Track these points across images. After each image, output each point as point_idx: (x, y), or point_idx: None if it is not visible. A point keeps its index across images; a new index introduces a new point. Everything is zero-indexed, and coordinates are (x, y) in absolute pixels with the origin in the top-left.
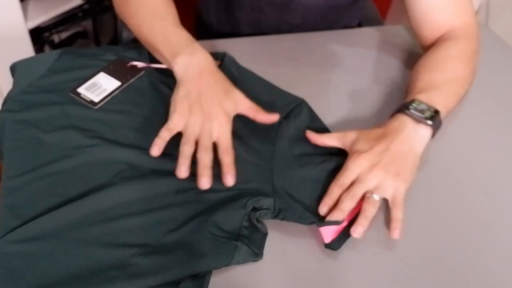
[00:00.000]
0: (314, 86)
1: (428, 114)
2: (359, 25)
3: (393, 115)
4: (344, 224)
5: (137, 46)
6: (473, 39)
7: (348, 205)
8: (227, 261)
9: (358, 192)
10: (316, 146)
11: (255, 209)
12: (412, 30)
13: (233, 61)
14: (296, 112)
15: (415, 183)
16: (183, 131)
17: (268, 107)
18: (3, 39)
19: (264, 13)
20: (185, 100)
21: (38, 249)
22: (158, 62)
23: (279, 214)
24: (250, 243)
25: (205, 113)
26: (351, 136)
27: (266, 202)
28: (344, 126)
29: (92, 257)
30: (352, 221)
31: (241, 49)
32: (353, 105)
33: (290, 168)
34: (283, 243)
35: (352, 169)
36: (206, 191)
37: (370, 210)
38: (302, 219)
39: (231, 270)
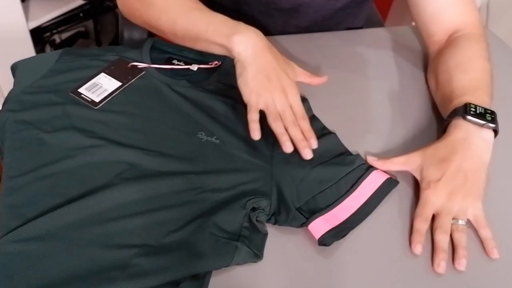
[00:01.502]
0: (315, 87)
1: (488, 117)
2: (360, 26)
3: (450, 122)
4: (337, 222)
5: (138, 47)
6: (485, 37)
7: (446, 240)
8: (227, 262)
9: (448, 225)
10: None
11: (254, 209)
12: (413, 29)
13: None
14: None
15: (415, 184)
16: (265, 109)
17: None
18: (5, 39)
19: (272, 18)
20: (257, 79)
21: (38, 249)
22: (159, 62)
23: (271, 217)
24: (250, 243)
25: (278, 88)
26: (416, 159)
27: (264, 203)
28: (345, 126)
29: (92, 257)
30: (347, 220)
31: None
32: (354, 105)
33: (290, 168)
34: (283, 243)
35: (433, 201)
36: (206, 192)
37: (463, 239)
38: (293, 221)
39: (231, 270)
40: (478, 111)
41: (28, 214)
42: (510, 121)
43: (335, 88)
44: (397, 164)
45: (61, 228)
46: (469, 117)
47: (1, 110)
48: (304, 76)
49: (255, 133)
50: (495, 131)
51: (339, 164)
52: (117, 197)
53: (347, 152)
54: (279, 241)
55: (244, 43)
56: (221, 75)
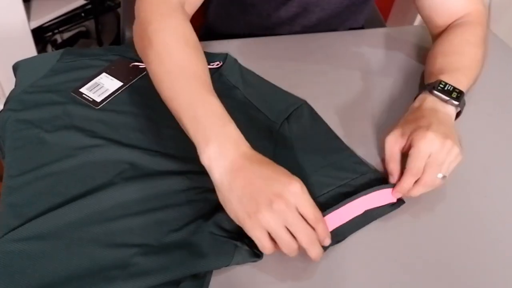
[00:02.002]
0: (317, 87)
1: (454, 94)
2: (361, 27)
3: (418, 95)
4: (339, 224)
5: None
6: (485, 24)
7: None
8: (227, 261)
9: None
10: (318, 149)
11: None
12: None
13: (235, 62)
14: (297, 115)
15: None
16: (270, 233)
17: (269, 108)
18: (6, 39)
19: (280, 20)
20: (243, 207)
21: (39, 248)
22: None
23: None
24: (251, 243)
25: (272, 200)
26: (395, 136)
27: None
28: (346, 126)
29: (93, 256)
30: (340, 227)
31: (243, 50)
32: (355, 105)
33: (290, 169)
34: None
35: (425, 150)
36: (206, 191)
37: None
38: None
39: (231, 270)
40: (446, 88)
41: (29, 213)
42: (510, 122)
43: (336, 88)
44: (396, 154)
45: (61, 227)
46: (435, 91)
47: (3, 109)
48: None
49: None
50: (458, 113)
51: (341, 169)
52: (118, 196)
53: (351, 157)
54: None
55: (216, 161)
56: (222, 75)
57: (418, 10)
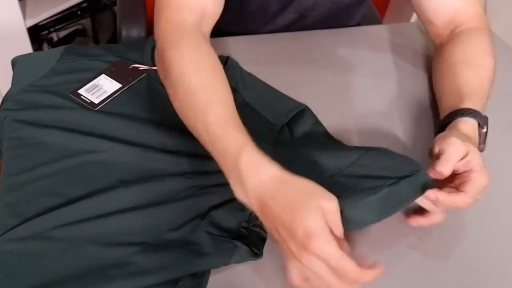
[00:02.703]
0: (314, 84)
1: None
2: (358, 24)
3: (456, 118)
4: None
5: (140, 47)
6: (489, 30)
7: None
8: (226, 260)
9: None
10: (318, 155)
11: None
12: (411, 26)
13: (236, 65)
14: (297, 119)
15: None
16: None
17: (269, 112)
18: (2, 37)
19: (277, 26)
20: (273, 233)
21: (37, 247)
22: None
23: None
24: (250, 242)
25: (298, 253)
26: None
27: None
28: (344, 124)
29: (91, 255)
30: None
31: (241, 48)
32: (352, 103)
33: (293, 169)
34: None
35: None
36: (205, 191)
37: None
38: None
39: (230, 269)
40: (484, 130)
41: (26, 213)
42: (510, 120)
43: (333, 85)
44: (454, 161)
45: (59, 227)
46: (481, 130)
47: (0, 108)
48: (333, 221)
49: None
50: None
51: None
52: (116, 196)
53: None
54: None
55: (241, 195)
56: None
57: (415, 10)
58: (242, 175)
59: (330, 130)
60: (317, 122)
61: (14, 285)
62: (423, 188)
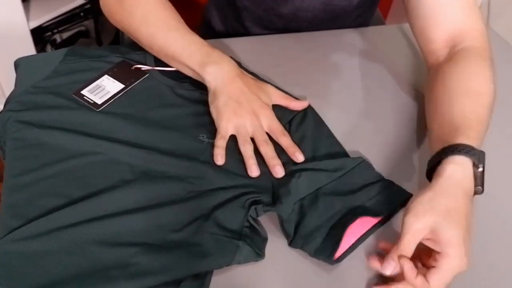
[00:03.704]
0: (315, 85)
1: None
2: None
3: (447, 157)
4: (354, 240)
5: (142, 48)
6: (488, 46)
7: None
8: (229, 261)
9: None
10: (319, 151)
11: (255, 203)
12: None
13: (238, 65)
14: (299, 118)
15: (414, 184)
16: (235, 133)
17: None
18: (6, 39)
19: (272, 23)
20: (227, 105)
21: (39, 248)
22: (162, 65)
23: (272, 206)
24: (252, 243)
25: (249, 111)
26: (423, 225)
27: (265, 196)
28: (345, 124)
29: (93, 256)
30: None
31: (241, 49)
32: (354, 103)
33: (291, 174)
34: (284, 243)
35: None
36: (207, 192)
37: None
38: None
39: (232, 270)
40: (479, 169)
41: (29, 214)
42: (510, 121)
43: (335, 85)
44: (411, 249)
45: (61, 228)
46: (477, 172)
47: (3, 109)
48: (280, 99)
49: (217, 158)
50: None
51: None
52: (118, 197)
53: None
54: (279, 241)
55: (215, 74)
56: None
57: (410, 25)
58: (215, 50)
59: (333, 131)
60: (319, 122)
61: (15, 285)
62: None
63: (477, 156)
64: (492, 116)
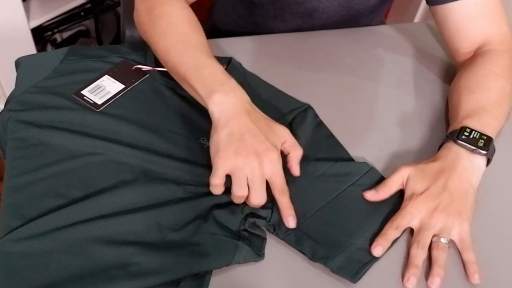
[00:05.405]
0: (317, 85)
1: (481, 143)
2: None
3: (443, 143)
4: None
5: (143, 48)
6: (510, 52)
7: (421, 257)
8: (228, 261)
9: (427, 241)
10: (319, 154)
11: (252, 214)
12: (414, 27)
13: (239, 66)
14: (300, 119)
15: None
16: (231, 174)
17: (273, 113)
18: (6, 38)
19: (285, 22)
20: (228, 142)
21: (39, 248)
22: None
23: (271, 226)
24: (251, 243)
25: (252, 153)
26: (405, 173)
27: (263, 212)
28: (346, 124)
29: (93, 256)
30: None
31: (243, 48)
32: (356, 104)
33: (293, 177)
34: (284, 243)
35: (412, 213)
36: (207, 193)
37: (442, 257)
38: (289, 236)
39: (232, 270)
40: (472, 136)
41: (29, 213)
42: (510, 120)
43: (336, 85)
44: (392, 187)
45: (62, 228)
46: (459, 141)
47: (4, 109)
48: (291, 148)
49: (216, 192)
50: (489, 159)
51: (342, 175)
52: (118, 197)
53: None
54: (279, 241)
55: (220, 104)
56: None
57: (439, 31)
58: (228, 90)
59: (333, 130)
60: (320, 123)
61: (16, 285)
62: None
63: (455, 135)
64: None
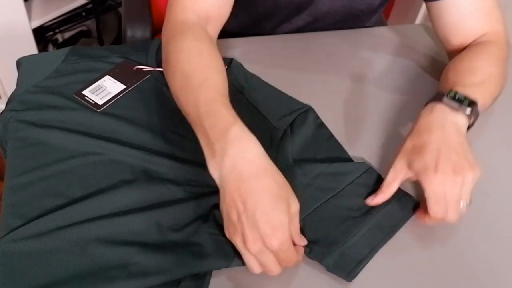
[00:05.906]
0: (318, 86)
1: (466, 103)
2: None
3: (426, 104)
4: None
5: (144, 49)
6: (503, 46)
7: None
8: (228, 262)
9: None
10: (320, 155)
11: None
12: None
13: (240, 66)
14: (300, 120)
15: (416, 184)
16: (239, 249)
17: (273, 114)
18: (7, 38)
19: (290, 23)
20: (230, 212)
21: (39, 248)
22: None
23: None
24: None
25: (255, 228)
26: (402, 164)
27: None
28: (346, 125)
29: (93, 256)
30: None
31: (244, 49)
32: (357, 105)
33: (292, 177)
34: None
35: (439, 192)
36: (207, 194)
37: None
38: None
39: (232, 270)
40: (457, 97)
41: (30, 213)
42: (510, 121)
43: (337, 86)
44: (393, 185)
45: (62, 228)
46: (445, 99)
47: (5, 109)
48: (293, 231)
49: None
50: (470, 126)
51: (340, 174)
52: (119, 197)
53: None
54: None
55: (218, 166)
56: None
57: (434, 29)
58: (226, 147)
59: (334, 131)
60: (321, 124)
61: (16, 285)
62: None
63: (437, 95)
64: (494, 114)
